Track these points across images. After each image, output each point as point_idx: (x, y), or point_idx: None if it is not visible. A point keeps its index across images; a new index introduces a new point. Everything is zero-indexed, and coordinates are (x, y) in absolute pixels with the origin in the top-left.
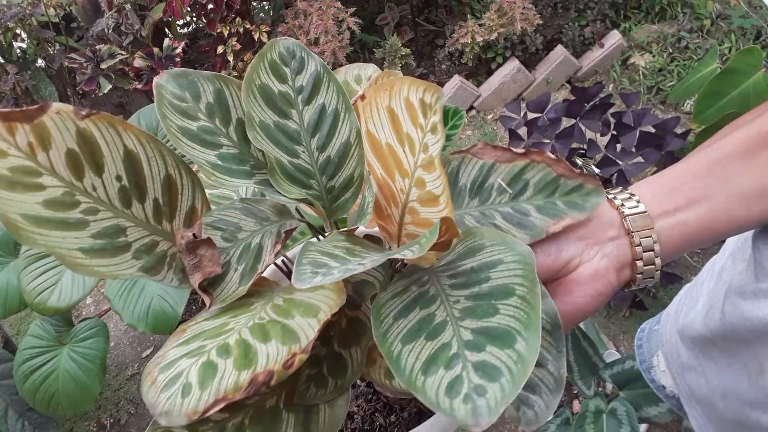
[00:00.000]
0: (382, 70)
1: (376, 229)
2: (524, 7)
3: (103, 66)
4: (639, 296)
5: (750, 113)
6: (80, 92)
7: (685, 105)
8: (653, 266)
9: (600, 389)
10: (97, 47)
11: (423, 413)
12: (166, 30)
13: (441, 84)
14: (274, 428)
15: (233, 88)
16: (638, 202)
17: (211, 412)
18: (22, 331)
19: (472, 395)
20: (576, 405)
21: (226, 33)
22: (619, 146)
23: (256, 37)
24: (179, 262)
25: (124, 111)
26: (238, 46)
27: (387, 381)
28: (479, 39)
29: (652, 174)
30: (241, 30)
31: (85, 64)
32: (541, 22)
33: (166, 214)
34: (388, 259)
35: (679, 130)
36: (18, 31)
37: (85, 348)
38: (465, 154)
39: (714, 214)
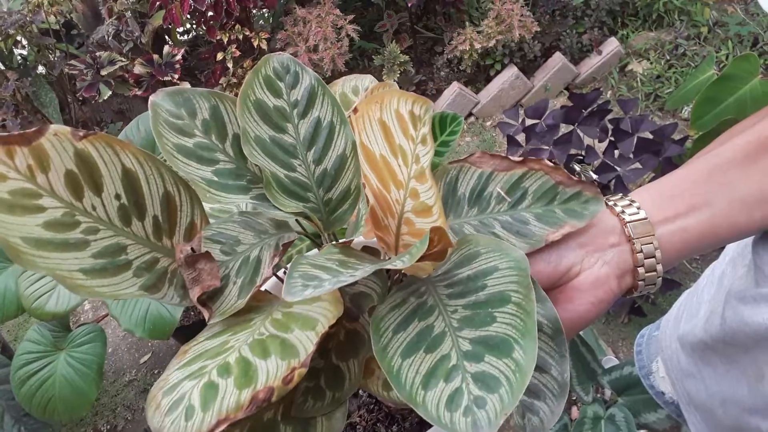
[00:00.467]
0: (381, 77)
1: (375, 239)
2: (522, 15)
3: (103, 72)
4: (638, 302)
5: (749, 119)
6: (80, 98)
7: (683, 111)
8: (655, 273)
9: (598, 395)
10: (97, 54)
11: (425, 423)
12: (166, 37)
13: (440, 91)
14: None
15: (229, 104)
16: (639, 208)
17: None
18: (20, 337)
19: (472, 407)
20: (574, 411)
21: (225, 40)
22: (617, 152)
23: (255, 44)
24: (180, 278)
25: (124, 117)
26: (238, 53)
27: (385, 392)
28: (477, 46)
29: (650, 180)
30: (241, 37)
31: (85, 71)
32: (539, 30)
33: (166, 231)
34: (386, 271)
35: (676, 136)
36: (19, 38)
37: (82, 353)
38: (463, 163)
39: (715, 220)
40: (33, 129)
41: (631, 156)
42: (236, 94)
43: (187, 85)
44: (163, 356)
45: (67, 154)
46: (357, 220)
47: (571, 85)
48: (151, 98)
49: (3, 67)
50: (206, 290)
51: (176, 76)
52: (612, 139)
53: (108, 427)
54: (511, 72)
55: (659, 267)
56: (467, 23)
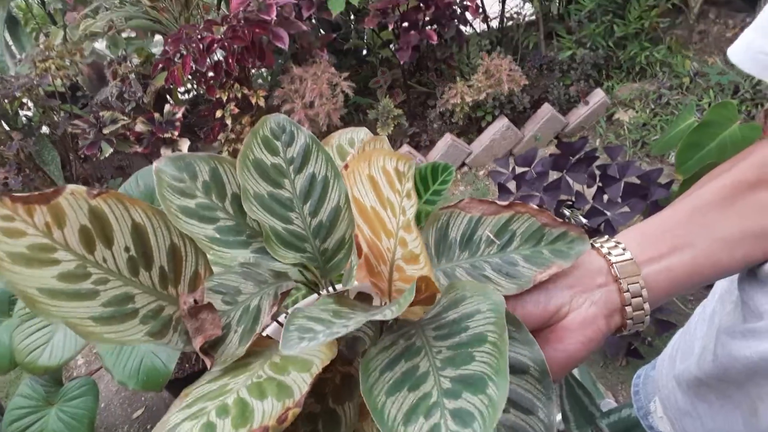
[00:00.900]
0: (376, 130)
1: (369, 285)
2: (510, 69)
3: (106, 131)
4: (634, 344)
5: (727, 163)
6: (82, 156)
7: (669, 157)
8: (642, 311)
9: None
10: (101, 114)
11: None
12: (168, 96)
13: (433, 142)
14: None
15: (227, 166)
16: (624, 249)
17: None
18: (11, 393)
19: None
20: None
21: (224, 98)
22: (605, 197)
23: (253, 101)
24: (184, 324)
25: (124, 173)
26: (236, 110)
27: None
28: (468, 99)
29: (638, 222)
30: (239, 95)
31: (87, 130)
32: (527, 83)
33: (172, 280)
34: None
35: (663, 180)
36: (24, 100)
37: (74, 408)
38: (453, 209)
39: (697, 259)
40: (52, 189)
41: (620, 200)
42: (234, 150)
43: (186, 141)
44: (157, 411)
45: (81, 211)
46: (351, 267)
47: (561, 134)
48: (155, 165)
49: (8, 128)
50: (208, 339)
51: (176, 133)
52: (600, 184)
53: None
54: (502, 123)
55: (646, 306)
56: (458, 78)
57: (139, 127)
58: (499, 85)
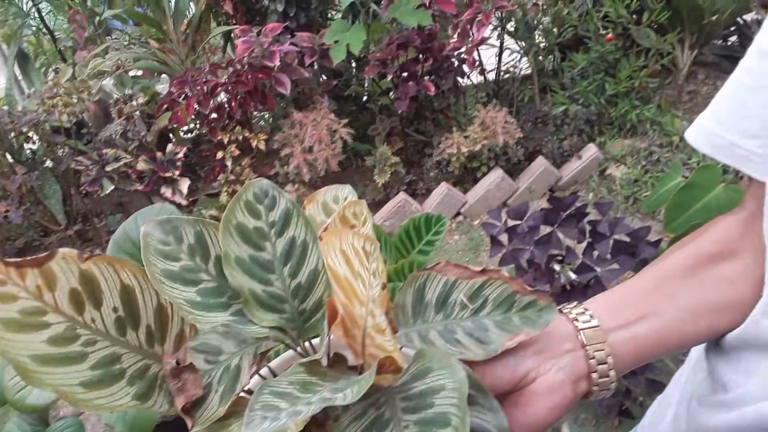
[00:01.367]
0: (373, 176)
1: (344, 343)
2: (506, 122)
3: (108, 168)
4: (626, 404)
5: (692, 233)
6: (83, 192)
7: (660, 213)
8: (608, 378)
9: None
10: (104, 151)
11: None
12: (171, 135)
13: (429, 190)
14: None
15: (212, 230)
16: (591, 316)
17: None
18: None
19: None
20: None
21: (226, 140)
22: (595, 253)
23: (254, 144)
24: (167, 383)
25: (123, 209)
26: (237, 152)
27: None
28: (464, 150)
29: (627, 279)
30: (241, 138)
31: (90, 167)
32: (521, 136)
33: (158, 339)
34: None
35: (653, 237)
36: (30, 134)
37: None
38: (431, 271)
39: (662, 328)
40: (44, 254)
41: (609, 257)
42: (233, 191)
43: (186, 181)
44: None
45: (72, 273)
46: (325, 331)
47: (555, 187)
48: (142, 229)
49: (12, 161)
50: (190, 399)
51: (177, 173)
52: (590, 240)
53: None
54: (497, 174)
55: (612, 373)
56: (455, 128)
57: (141, 165)
58: (494, 136)
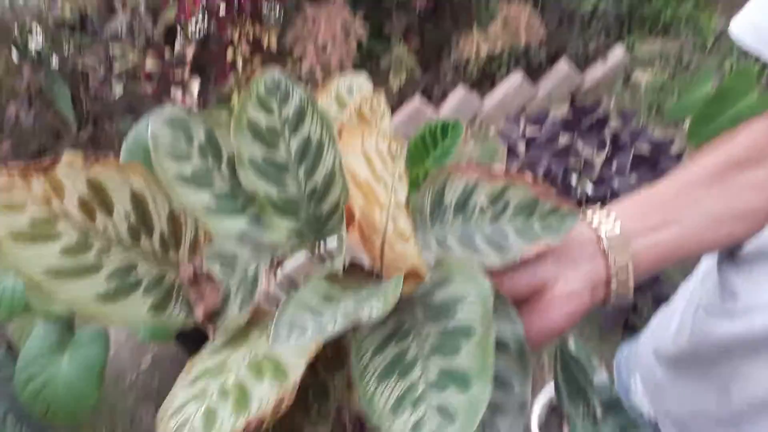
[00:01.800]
0: (389, 78)
1: (362, 249)
2: (529, 20)
3: (116, 68)
4: (632, 320)
5: (721, 139)
6: (92, 94)
7: (686, 123)
8: (626, 285)
9: (588, 412)
10: (110, 50)
11: None
12: (178, 34)
13: (445, 94)
14: None
15: (222, 128)
16: (615, 221)
17: None
18: (25, 335)
19: None
20: (565, 429)
21: (236, 36)
22: (614, 165)
23: (264, 42)
24: (184, 293)
25: (134, 113)
26: (247, 50)
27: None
28: (484, 50)
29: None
30: (251, 33)
31: (98, 66)
32: (545, 36)
33: (172, 245)
34: (375, 277)
35: (676, 149)
36: (34, 29)
37: (85, 355)
38: (451, 172)
39: (683, 235)
40: (48, 159)
41: (628, 169)
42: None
43: (196, 82)
44: (164, 362)
45: (79, 180)
46: (343, 233)
47: (576, 93)
48: (150, 128)
49: (18, 56)
50: (209, 308)
51: (187, 73)
52: (610, 151)
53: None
54: (517, 78)
55: (631, 279)
56: (475, 28)
57: (149, 65)
58: (516, 36)
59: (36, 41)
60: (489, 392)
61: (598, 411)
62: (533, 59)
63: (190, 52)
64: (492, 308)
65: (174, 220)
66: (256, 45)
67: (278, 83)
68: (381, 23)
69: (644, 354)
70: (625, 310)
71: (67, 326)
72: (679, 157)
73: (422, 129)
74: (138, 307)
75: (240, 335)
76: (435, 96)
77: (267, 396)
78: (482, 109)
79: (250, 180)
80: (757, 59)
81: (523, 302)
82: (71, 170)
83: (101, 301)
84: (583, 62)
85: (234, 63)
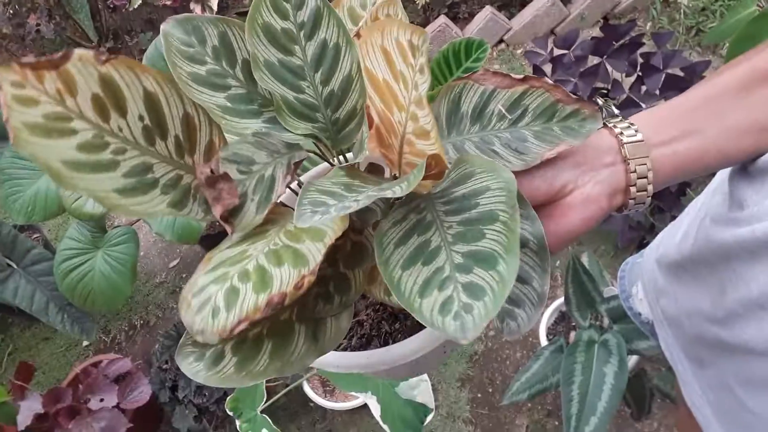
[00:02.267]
0: None
1: (380, 156)
2: None
3: None
4: (647, 238)
5: (750, 51)
6: (111, 6)
7: (723, 48)
8: (645, 192)
9: (596, 322)
10: None
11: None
12: None
13: (472, 14)
14: (288, 337)
15: (236, 30)
16: (636, 131)
17: (237, 330)
18: (59, 236)
19: (461, 313)
20: (573, 337)
21: None
22: (643, 88)
23: None
24: (203, 194)
25: (153, 27)
26: None
27: (385, 297)
28: None
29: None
30: None
31: None
32: None
33: (187, 149)
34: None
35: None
36: None
37: (118, 252)
38: (467, 81)
39: (705, 146)
40: (60, 54)
41: (658, 93)
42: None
43: None
44: (191, 262)
45: (92, 78)
46: (362, 138)
47: (610, 15)
48: (162, 27)
49: None
50: (227, 208)
51: None
52: (640, 74)
53: (141, 322)
54: None
55: (650, 187)
56: None
57: None
58: None
59: None
60: (516, 270)
61: (606, 321)
62: None
63: None
64: (516, 193)
65: (188, 123)
66: None
67: None
68: None
69: (648, 263)
70: (641, 229)
71: (99, 227)
72: None
73: (446, 47)
74: (156, 203)
75: (258, 231)
76: (461, 16)
77: (287, 277)
78: (510, 30)
79: (266, 82)
80: None
81: (542, 206)
82: (83, 66)
83: (120, 194)
84: None
85: None
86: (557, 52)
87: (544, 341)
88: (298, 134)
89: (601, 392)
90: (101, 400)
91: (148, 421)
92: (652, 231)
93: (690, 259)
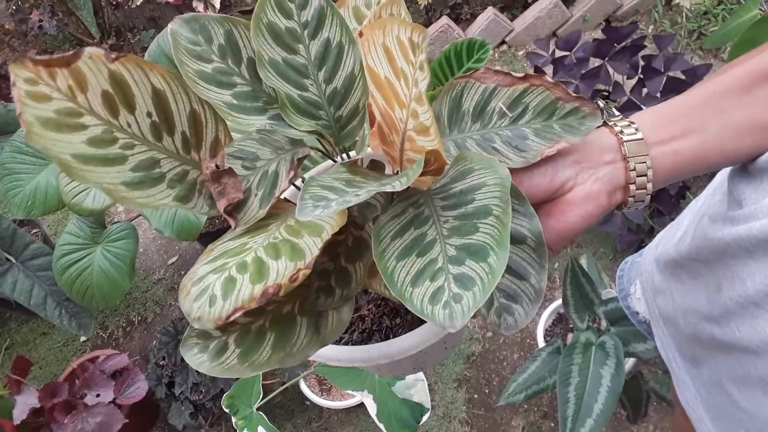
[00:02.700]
0: None
1: (382, 153)
2: None
3: None
4: (646, 241)
5: (751, 51)
6: (114, 3)
7: (725, 51)
8: (645, 190)
9: (594, 324)
10: None
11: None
12: None
13: (474, 15)
14: (290, 330)
15: (241, 29)
16: (637, 129)
17: (232, 318)
18: (59, 231)
19: (450, 302)
20: (570, 338)
21: None
22: (645, 91)
23: None
24: (208, 188)
25: (156, 24)
26: None
27: (386, 291)
28: None
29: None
30: None
31: None
32: None
33: (194, 145)
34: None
35: None
36: None
37: (117, 248)
38: (468, 79)
39: (706, 145)
40: (71, 52)
41: (659, 95)
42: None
43: None
44: (189, 259)
45: (102, 75)
46: (364, 135)
47: (612, 17)
48: (170, 26)
49: None
50: (231, 202)
51: None
52: (641, 76)
53: (139, 318)
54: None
55: (649, 185)
56: None
57: None
58: None
59: None
60: (505, 263)
61: (603, 323)
62: None
63: None
64: (509, 189)
65: (195, 119)
66: None
67: None
68: None
69: (647, 262)
70: (641, 232)
71: (98, 222)
72: None
73: (448, 47)
74: (163, 196)
75: (260, 225)
76: (463, 17)
77: (284, 270)
78: (512, 32)
79: (270, 80)
80: None
81: (541, 206)
82: (94, 64)
83: (128, 187)
84: None
85: None
86: (559, 53)
87: (541, 343)
88: (302, 130)
89: (597, 394)
90: (97, 395)
91: (144, 417)
92: (651, 234)
93: (688, 257)
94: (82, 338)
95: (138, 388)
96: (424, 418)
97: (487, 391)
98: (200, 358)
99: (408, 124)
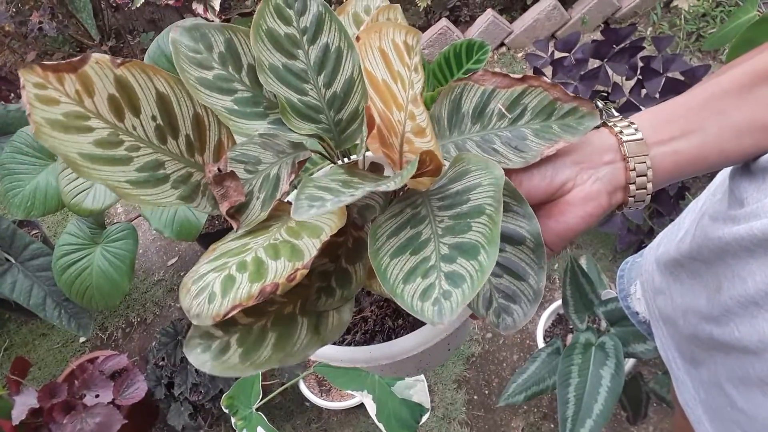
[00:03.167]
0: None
1: (382, 155)
2: None
3: None
4: (646, 242)
5: (751, 51)
6: (113, 5)
7: (724, 53)
8: (645, 190)
9: (594, 325)
10: None
11: None
12: None
13: (473, 18)
14: (291, 330)
15: (241, 36)
16: (636, 129)
17: (230, 315)
18: (58, 233)
19: (440, 299)
20: (570, 339)
21: None
22: (643, 91)
23: None
24: (211, 190)
25: (156, 26)
26: None
27: (383, 290)
28: None
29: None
30: None
31: None
32: None
33: (198, 148)
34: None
35: None
36: None
37: (117, 248)
38: (467, 81)
39: (705, 145)
40: (78, 58)
41: (657, 96)
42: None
43: None
44: (189, 260)
45: (108, 79)
46: (364, 138)
47: (611, 20)
48: (171, 35)
49: None
50: (233, 205)
51: None
52: (640, 77)
53: (138, 319)
54: (549, 2)
55: (649, 185)
56: None
57: None
58: None
59: None
60: (494, 260)
61: (603, 323)
62: None
63: None
64: (502, 188)
65: (199, 123)
66: None
67: None
68: None
69: (647, 262)
70: (640, 233)
71: (98, 222)
72: None
73: (447, 49)
74: (166, 196)
75: (261, 226)
76: (462, 20)
77: (282, 269)
78: (511, 34)
79: (270, 85)
80: None
81: (542, 204)
82: (100, 69)
83: (133, 186)
84: None
85: None
86: (558, 55)
87: (541, 343)
88: (302, 134)
89: (597, 395)
90: (96, 395)
91: (144, 417)
92: (651, 234)
93: (688, 257)
94: (82, 339)
95: (137, 389)
96: (424, 418)
97: (486, 392)
98: (203, 358)
99: (406, 126)
